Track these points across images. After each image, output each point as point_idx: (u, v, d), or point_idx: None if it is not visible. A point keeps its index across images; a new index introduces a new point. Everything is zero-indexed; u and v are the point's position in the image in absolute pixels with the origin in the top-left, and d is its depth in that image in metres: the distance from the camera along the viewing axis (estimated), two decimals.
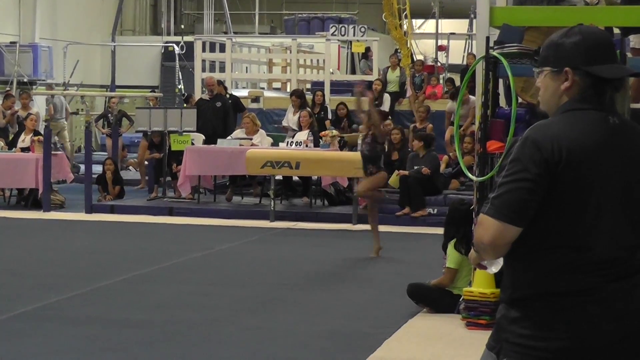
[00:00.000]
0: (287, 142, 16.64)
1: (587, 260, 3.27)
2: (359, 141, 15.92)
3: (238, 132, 17.56)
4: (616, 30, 10.28)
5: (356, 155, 15.60)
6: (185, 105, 20.63)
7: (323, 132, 16.87)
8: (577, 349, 3.28)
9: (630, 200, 3.32)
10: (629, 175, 3.32)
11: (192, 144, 17.31)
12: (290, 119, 17.95)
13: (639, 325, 3.34)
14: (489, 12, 9.19)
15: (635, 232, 3.34)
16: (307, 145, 16.32)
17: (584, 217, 3.26)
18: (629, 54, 9.15)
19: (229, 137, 17.24)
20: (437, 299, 9.16)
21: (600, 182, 3.27)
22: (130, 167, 22.31)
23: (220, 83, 19.52)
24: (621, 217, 3.30)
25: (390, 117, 18.91)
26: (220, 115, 18.37)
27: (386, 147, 13.62)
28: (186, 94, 22.75)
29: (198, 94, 20.51)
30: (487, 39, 8.91)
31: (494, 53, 8.66)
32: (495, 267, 3.58)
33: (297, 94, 18.39)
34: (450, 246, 9.17)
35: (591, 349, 3.28)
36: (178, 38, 30.29)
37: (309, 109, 17.60)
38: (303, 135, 16.78)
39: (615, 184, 3.29)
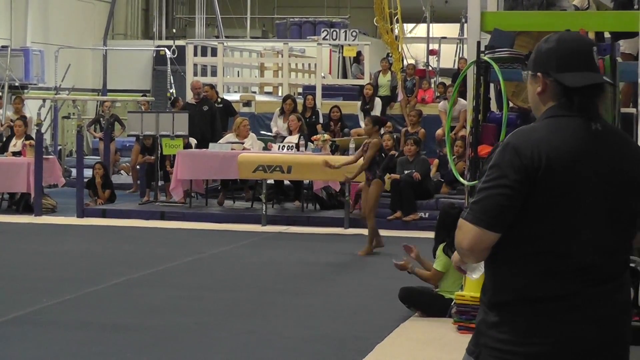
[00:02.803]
0: (279, 145, 16.63)
1: (566, 266, 3.27)
2: (351, 145, 16.00)
3: (229, 136, 17.56)
4: (607, 35, 10.34)
5: (346, 160, 15.64)
6: (172, 108, 20.59)
7: (314, 137, 16.88)
8: (556, 354, 3.28)
9: (611, 206, 3.32)
10: (610, 181, 3.32)
11: (191, 146, 17.31)
12: (280, 125, 17.97)
13: (619, 330, 3.36)
14: (480, 17, 9.22)
15: (616, 238, 3.35)
16: (299, 149, 16.29)
17: (563, 224, 3.27)
18: (619, 59, 9.17)
19: (220, 141, 17.23)
20: (428, 303, 9.18)
21: (580, 188, 3.28)
22: (122, 171, 22.28)
23: (213, 87, 19.53)
24: (602, 223, 3.31)
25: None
26: (207, 119, 18.36)
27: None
28: (172, 98, 22.72)
29: (189, 99, 20.48)
30: (479, 43, 8.94)
31: (485, 58, 8.70)
32: (476, 273, 3.59)
33: (292, 98, 18.42)
34: (439, 249, 9.21)
35: (571, 354, 3.29)
36: (170, 42, 30.27)
37: (297, 114, 17.60)
38: (294, 139, 16.78)
39: (596, 190, 3.30)
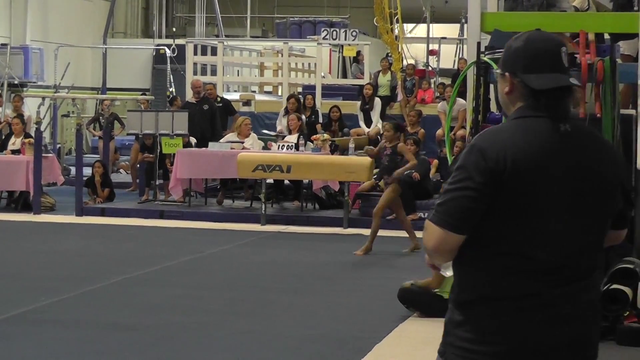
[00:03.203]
0: (279, 145, 16.64)
1: (532, 266, 3.26)
2: (351, 145, 16.02)
3: (230, 136, 17.56)
4: (606, 36, 10.34)
5: (347, 159, 15.68)
6: (169, 107, 20.59)
7: (314, 136, 16.89)
8: (521, 353, 3.27)
9: (580, 207, 3.31)
10: (578, 181, 3.30)
11: (191, 145, 17.31)
12: (284, 124, 17.97)
13: (586, 330, 3.34)
14: (480, 18, 9.23)
15: (586, 238, 3.33)
16: (298, 148, 16.30)
17: (529, 225, 3.26)
18: (619, 60, 9.17)
19: (221, 140, 17.24)
20: (427, 303, 9.18)
21: (547, 189, 3.26)
22: (121, 170, 22.29)
23: (215, 86, 19.53)
24: (571, 223, 3.30)
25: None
26: (207, 118, 18.35)
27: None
28: (171, 96, 22.72)
29: (189, 97, 20.48)
30: (479, 44, 8.95)
31: (485, 58, 8.70)
32: (450, 270, 3.60)
33: (296, 97, 18.43)
34: None
35: (535, 353, 3.28)
36: (169, 41, 30.26)
37: (297, 113, 17.60)
38: (293, 138, 16.78)
39: (563, 191, 3.28)
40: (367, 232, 14.96)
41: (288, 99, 18.75)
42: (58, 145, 23.63)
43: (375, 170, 16.10)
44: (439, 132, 18.50)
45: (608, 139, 8.52)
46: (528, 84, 3.31)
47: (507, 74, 3.38)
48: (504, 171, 3.22)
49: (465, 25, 36.04)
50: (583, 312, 3.32)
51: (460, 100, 16.31)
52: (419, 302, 9.26)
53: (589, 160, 3.33)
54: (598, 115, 8.57)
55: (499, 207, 3.25)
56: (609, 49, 8.74)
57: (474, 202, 3.24)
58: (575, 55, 8.69)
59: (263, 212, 15.68)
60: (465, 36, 36.12)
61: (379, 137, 18.38)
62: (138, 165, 18.92)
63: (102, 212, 16.65)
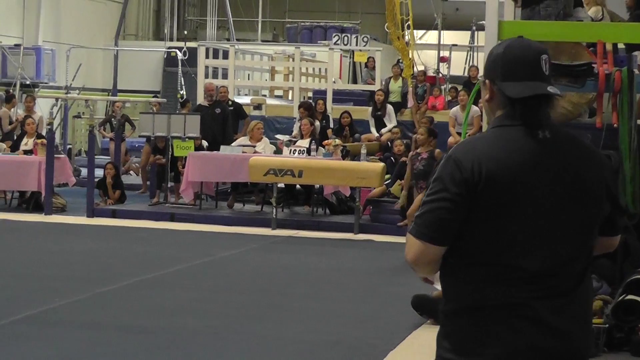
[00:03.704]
0: (290, 149, 16.65)
1: (514, 275, 3.22)
2: (363, 151, 16.03)
3: (242, 139, 17.57)
4: (621, 46, 10.34)
5: (359, 165, 15.69)
6: (181, 110, 20.61)
7: (326, 141, 16.90)
8: None
9: (563, 215, 3.27)
10: (559, 189, 3.26)
11: (203, 147, 17.32)
12: (297, 128, 17.99)
13: (572, 344, 3.28)
14: (497, 26, 9.23)
15: (570, 247, 3.28)
16: (310, 153, 16.31)
17: (509, 234, 3.23)
18: (636, 71, 9.18)
19: (233, 144, 17.26)
20: None
21: (525, 199, 3.22)
22: (131, 172, 22.31)
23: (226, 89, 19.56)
24: (554, 232, 3.26)
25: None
26: (219, 121, 18.37)
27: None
28: (182, 100, 22.75)
29: (200, 100, 20.52)
30: None
31: None
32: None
33: (305, 106, 18.42)
34: None
35: None
36: (180, 44, 30.31)
37: (309, 118, 17.61)
38: (305, 143, 16.79)
39: (543, 198, 3.24)
40: (377, 237, 15.02)
41: (299, 107, 18.77)
42: (68, 146, 23.68)
43: (387, 176, 16.14)
44: (451, 140, 18.47)
45: (625, 149, 8.54)
46: (504, 92, 3.28)
47: (487, 81, 3.36)
48: (478, 182, 3.20)
49: (475, 33, 36.15)
50: (572, 324, 3.27)
51: (474, 107, 16.32)
52: (433, 310, 9.23)
53: (570, 166, 3.29)
54: (615, 125, 8.57)
55: (478, 217, 3.22)
56: (626, 59, 8.76)
57: (451, 213, 3.22)
58: (593, 65, 8.71)
59: (274, 216, 15.68)
60: (475, 43, 36.27)
61: (389, 143, 18.41)
62: (149, 168, 18.95)
63: (113, 214, 16.67)
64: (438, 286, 3.55)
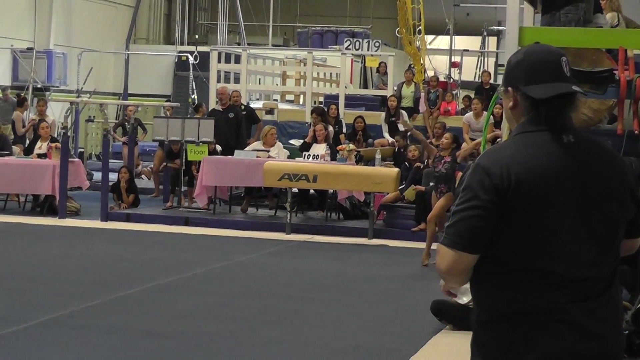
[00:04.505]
0: (304, 155, 16.67)
1: (548, 280, 3.24)
2: (377, 156, 16.02)
3: (256, 144, 17.59)
4: (636, 52, 10.34)
5: (374, 170, 15.69)
6: (195, 114, 20.65)
7: (340, 146, 16.91)
8: None
9: (591, 218, 3.29)
10: (586, 192, 3.28)
11: (217, 152, 17.34)
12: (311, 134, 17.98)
13: (607, 346, 3.30)
14: (518, 32, 9.22)
15: (598, 250, 3.30)
16: (324, 159, 16.35)
17: (540, 239, 3.24)
18: None
19: (246, 149, 17.27)
20: (460, 316, 9.16)
21: (554, 202, 3.25)
22: (143, 176, 22.35)
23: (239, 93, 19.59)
24: (581, 236, 3.27)
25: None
26: (232, 126, 18.39)
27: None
28: (195, 103, 22.78)
29: (212, 105, 20.55)
30: None
31: None
32: (467, 296, 3.59)
33: (318, 112, 18.43)
34: None
35: None
36: (191, 48, 30.36)
37: (323, 123, 17.62)
38: (320, 148, 16.80)
39: (572, 203, 3.26)
40: (392, 243, 15.05)
41: (312, 112, 18.78)
42: (80, 150, 23.72)
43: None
44: (464, 146, 18.42)
45: None
46: (529, 94, 3.30)
47: (510, 89, 3.38)
48: (508, 187, 3.22)
49: (487, 39, 36.16)
50: (605, 327, 3.29)
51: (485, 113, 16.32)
52: (452, 315, 9.24)
53: (595, 170, 3.31)
54: (636, 131, 8.57)
55: (508, 223, 3.24)
56: None
57: (483, 221, 3.24)
58: (614, 72, 8.71)
59: (288, 221, 15.70)
60: (486, 49, 36.28)
61: (401, 149, 18.40)
62: (161, 172, 18.97)
63: (128, 218, 16.70)
64: (462, 299, 3.56)
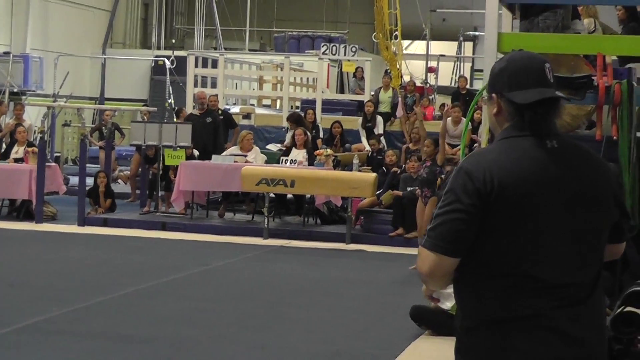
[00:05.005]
0: (282, 160, 16.67)
1: (532, 285, 3.25)
2: (355, 161, 16.05)
3: (233, 149, 17.57)
4: (614, 58, 10.37)
5: (352, 175, 15.70)
6: (175, 119, 20.61)
7: (317, 151, 16.91)
8: None
9: (574, 223, 3.30)
10: (569, 197, 3.29)
11: (194, 157, 17.31)
12: (289, 138, 17.98)
13: (591, 352, 3.31)
14: (497, 38, 9.25)
15: (581, 256, 3.31)
16: (302, 165, 16.36)
17: (523, 243, 3.25)
18: (635, 84, 9.21)
19: (224, 154, 17.25)
20: (439, 322, 9.18)
21: (538, 208, 3.25)
22: (120, 180, 22.28)
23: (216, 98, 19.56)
24: (566, 241, 3.29)
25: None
26: (210, 130, 18.36)
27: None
28: (177, 108, 22.74)
29: (189, 109, 20.52)
30: None
31: None
32: (450, 301, 3.61)
33: (293, 118, 18.41)
34: None
35: None
36: (168, 52, 30.33)
37: (303, 128, 17.63)
38: (299, 154, 16.80)
39: (555, 208, 3.27)
40: (369, 248, 15.06)
41: (287, 119, 18.78)
42: (57, 154, 23.62)
43: (384, 192, 16.16)
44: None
45: (624, 161, 8.58)
46: (513, 100, 3.32)
47: (493, 95, 3.41)
48: (491, 192, 3.22)
49: (463, 44, 36.27)
50: (589, 333, 3.30)
51: (463, 119, 16.37)
52: (431, 321, 9.26)
53: (579, 175, 3.32)
54: (614, 137, 8.61)
55: (492, 228, 3.24)
56: (626, 72, 8.79)
57: (464, 224, 3.24)
58: (593, 78, 8.74)
59: (266, 226, 15.69)
60: (462, 54, 36.39)
61: (374, 154, 18.42)
62: (138, 177, 18.91)
63: (105, 223, 16.64)
64: (446, 304, 3.58)
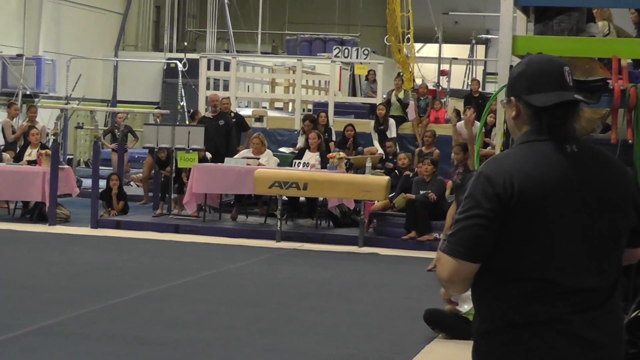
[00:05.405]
0: (295, 163, 16.67)
1: (550, 290, 3.24)
2: (368, 164, 16.02)
3: (245, 152, 17.58)
4: (629, 61, 10.34)
5: (365, 178, 15.69)
6: (191, 121, 20.62)
7: (330, 154, 16.90)
8: None
9: (593, 228, 3.29)
10: (589, 202, 3.28)
11: (207, 159, 17.31)
12: (303, 143, 17.97)
13: (608, 357, 3.30)
14: (511, 41, 9.23)
15: (600, 260, 3.30)
16: (315, 168, 16.35)
17: (543, 249, 3.24)
18: None
19: (236, 156, 17.25)
20: (453, 325, 9.16)
21: (557, 213, 3.24)
22: (132, 183, 22.30)
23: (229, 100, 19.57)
24: (583, 246, 3.28)
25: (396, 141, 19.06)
26: (223, 133, 18.38)
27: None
28: (192, 111, 22.77)
29: (202, 112, 20.53)
30: (511, 67, 8.95)
31: None
32: (468, 304, 3.60)
33: (310, 119, 18.44)
34: None
35: None
36: (180, 55, 30.32)
37: (317, 131, 17.62)
38: (312, 156, 16.80)
39: (575, 212, 3.26)
40: (382, 251, 15.04)
41: (303, 120, 18.79)
42: (69, 157, 23.66)
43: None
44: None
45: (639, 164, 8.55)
46: (532, 103, 3.31)
47: (512, 98, 3.40)
48: (511, 197, 3.21)
49: (475, 47, 36.22)
50: (606, 338, 3.29)
51: (477, 123, 16.30)
52: (445, 324, 9.23)
53: (598, 179, 3.31)
54: (630, 141, 8.58)
55: (511, 233, 3.23)
56: None
57: (485, 230, 3.23)
58: (608, 81, 8.71)
59: (278, 228, 15.67)
60: (475, 57, 36.34)
61: (390, 157, 18.42)
62: (151, 179, 18.91)
63: (117, 225, 16.65)
64: (464, 307, 3.56)
